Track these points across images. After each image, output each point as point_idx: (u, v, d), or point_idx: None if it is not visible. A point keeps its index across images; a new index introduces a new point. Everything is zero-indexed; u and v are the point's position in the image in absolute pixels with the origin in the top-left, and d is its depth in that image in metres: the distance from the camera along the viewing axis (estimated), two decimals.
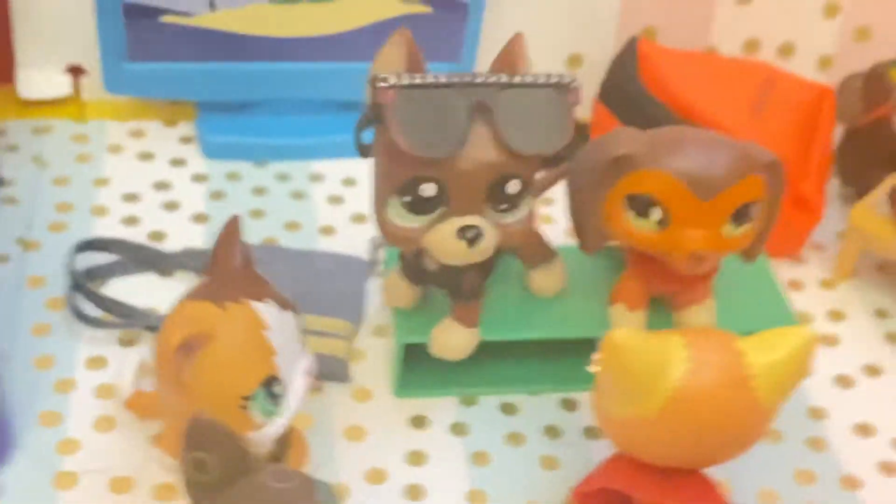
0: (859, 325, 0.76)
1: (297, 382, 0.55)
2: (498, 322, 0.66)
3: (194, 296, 0.53)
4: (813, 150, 0.81)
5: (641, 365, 0.52)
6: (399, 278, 0.65)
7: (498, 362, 0.69)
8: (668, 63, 0.84)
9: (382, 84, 0.53)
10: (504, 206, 0.56)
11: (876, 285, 0.79)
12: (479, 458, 0.64)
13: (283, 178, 0.83)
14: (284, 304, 0.55)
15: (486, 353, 0.67)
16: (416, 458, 0.64)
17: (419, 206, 0.55)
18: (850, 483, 0.65)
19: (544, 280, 0.68)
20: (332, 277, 0.73)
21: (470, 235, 0.55)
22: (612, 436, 0.56)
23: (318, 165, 0.84)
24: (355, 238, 0.77)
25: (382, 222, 0.57)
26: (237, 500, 0.42)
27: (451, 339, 0.63)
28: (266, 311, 0.53)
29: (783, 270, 0.79)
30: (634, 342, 0.52)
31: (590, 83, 0.88)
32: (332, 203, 0.81)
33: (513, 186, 0.56)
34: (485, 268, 0.62)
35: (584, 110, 0.89)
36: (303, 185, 0.83)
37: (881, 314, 0.77)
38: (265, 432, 0.53)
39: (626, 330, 0.52)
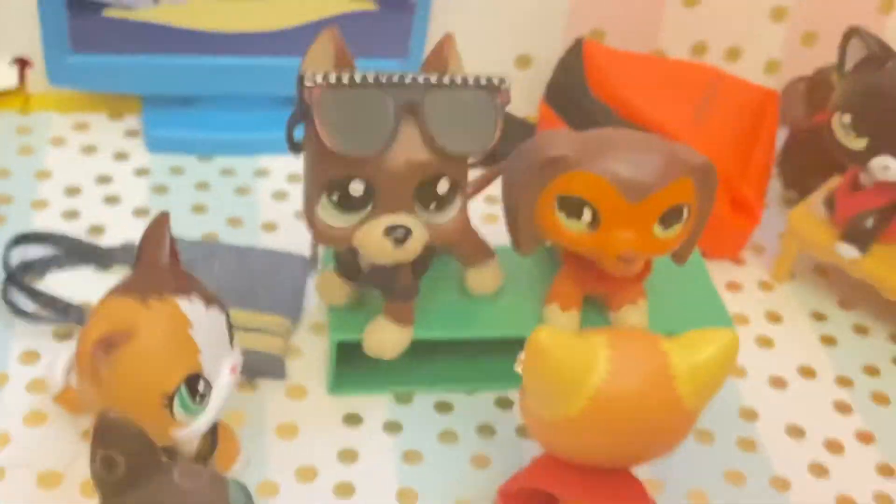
0: (795, 327, 0.77)
1: (222, 380, 0.54)
2: (433, 320, 0.66)
3: (117, 292, 0.53)
4: (755, 152, 0.82)
5: (564, 365, 0.52)
6: (334, 276, 0.65)
7: (434, 361, 0.69)
8: (614, 65, 0.84)
9: (309, 83, 0.53)
10: (433, 206, 0.57)
11: (813, 288, 0.80)
12: (411, 457, 0.64)
13: (227, 173, 0.83)
14: (211, 301, 0.55)
15: (422, 351, 0.67)
16: (348, 455, 0.64)
17: (347, 204, 0.55)
18: (780, 484, 0.66)
19: (481, 279, 0.68)
20: (272, 274, 0.73)
21: (397, 235, 0.55)
22: (537, 436, 0.57)
23: (264, 161, 0.84)
24: (298, 235, 0.77)
25: (312, 220, 0.57)
26: (146, 500, 0.42)
27: (384, 338, 0.63)
28: (191, 308, 0.53)
29: (722, 272, 0.80)
30: (557, 342, 0.52)
31: (538, 84, 0.89)
32: (277, 199, 0.81)
33: (442, 186, 0.56)
34: (418, 266, 0.62)
35: (532, 110, 0.90)
36: (247, 180, 0.83)
37: (817, 317, 0.78)
38: (189, 431, 0.53)
39: (548, 330, 0.52)
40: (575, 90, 0.84)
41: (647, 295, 0.68)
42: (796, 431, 0.69)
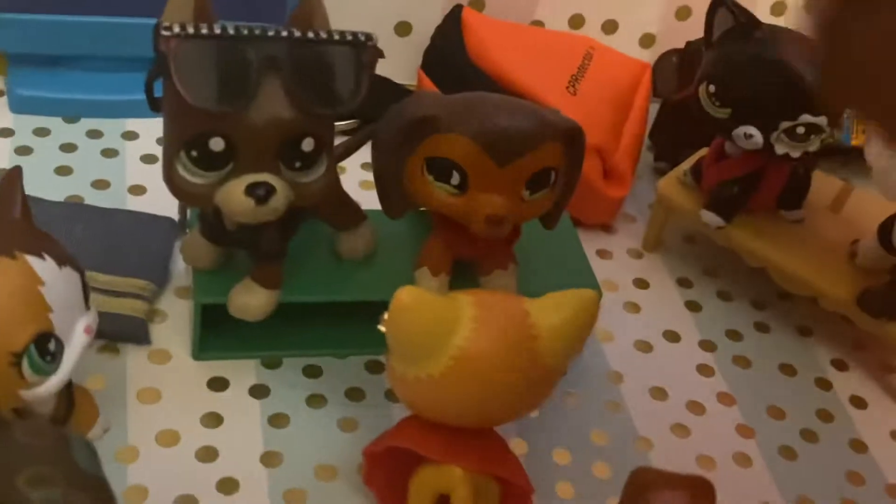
0: (662, 294, 0.78)
1: (75, 340, 0.53)
2: (303, 284, 0.65)
3: None
4: (628, 124, 0.83)
5: (427, 324, 0.52)
6: (199, 238, 0.64)
7: (303, 326, 0.69)
8: (491, 33, 0.84)
9: (166, 33, 0.51)
10: (298, 165, 0.56)
11: (680, 256, 0.82)
12: (277, 420, 0.64)
13: (94, 134, 0.81)
14: (65, 261, 0.53)
15: (292, 316, 0.67)
16: (212, 420, 0.63)
17: (207, 161, 0.54)
18: (644, 444, 0.67)
19: (352, 243, 0.68)
20: (138, 237, 0.71)
21: (259, 193, 0.54)
22: (402, 396, 0.57)
23: (132, 123, 0.82)
24: (166, 198, 0.74)
25: (171, 178, 0.55)
26: None
27: (250, 301, 0.62)
28: (42, 266, 0.51)
29: (594, 240, 0.81)
30: (421, 301, 0.52)
31: (417, 51, 0.88)
32: (145, 162, 0.79)
33: (306, 145, 0.55)
34: (285, 228, 0.61)
35: (411, 77, 0.89)
36: (115, 142, 0.80)
37: (683, 283, 0.79)
38: (40, 391, 0.51)
39: (412, 289, 0.52)
40: (452, 57, 0.84)
41: (518, 260, 0.68)
42: (660, 393, 0.71)
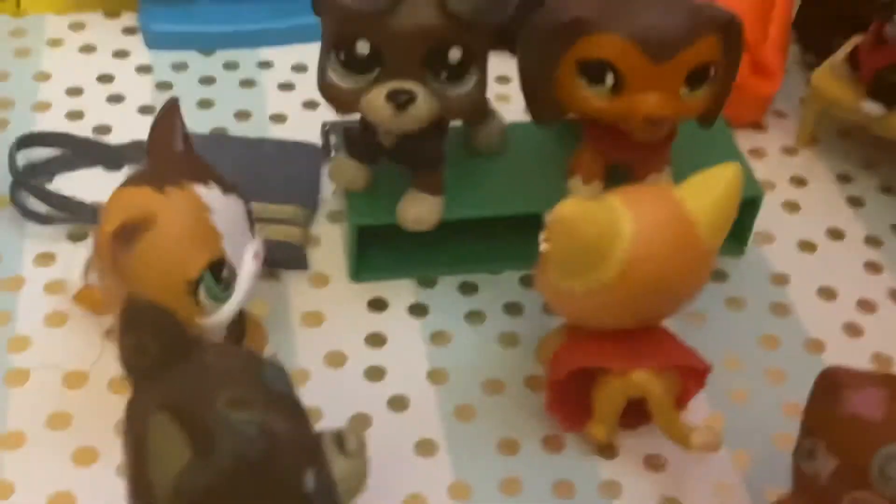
0: (821, 190, 0.75)
1: (245, 266, 0.53)
2: (456, 200, 0.65)
3: (132, 182, 0.52)
4: (773, 14, 0.79)
5: (592, 236, 0.51)
6: (347, 159, 0.63)
7: (457, 242, 0.68)
8: None
9: None
10: (445, 76, 0.55)
11: (838, 150, 0.78)
12: (438, 338, 0.63)
13: (230, 66, 0.81)
14: (228, 188, 0.53)
15: (445, 233, 0.66)
16: (376, 340, 0.63)
17: (354, 64, 0.54)
18: (815, 346, 0.65)
19: (487, 137, 0.67)
20: (285, 164, 0.71)
21: (399, 100, 0.54)
22: (567, 310, 0.56)
23: (267, 52, 0.82)
24: (308, 125, 0.75)
25: (323, 82, 0.56)
26: (179, 382, 0.41)
27: (421, 210, 0.62)
28: (209, 194, 0.51)
29: (745, 139, 0.78)
30: (581, 213, 0.51)
31: None
32: (283, 90, 0.79)
33: (453, 55, 0.54)
34: (442, 134, 0.61)
35: None
36: (252, 72, 0.80)
37: (843, 178, 0.76)
38: (215, 318, 0.52)
39: (572, 203, 0.51)
40: None
41: (672, 163, 0.66)
42: (828, 293, 0.68)
